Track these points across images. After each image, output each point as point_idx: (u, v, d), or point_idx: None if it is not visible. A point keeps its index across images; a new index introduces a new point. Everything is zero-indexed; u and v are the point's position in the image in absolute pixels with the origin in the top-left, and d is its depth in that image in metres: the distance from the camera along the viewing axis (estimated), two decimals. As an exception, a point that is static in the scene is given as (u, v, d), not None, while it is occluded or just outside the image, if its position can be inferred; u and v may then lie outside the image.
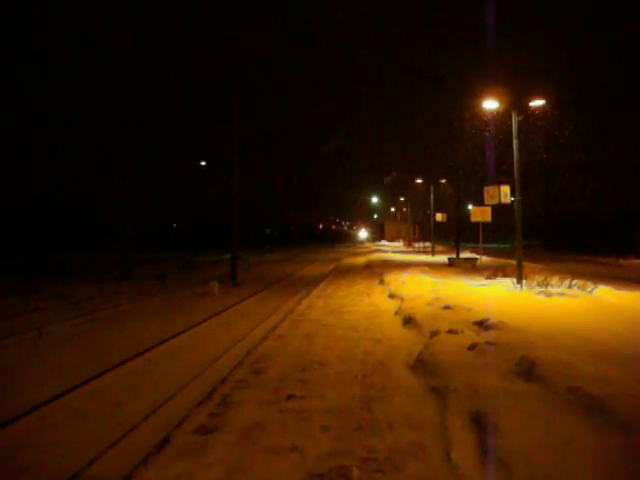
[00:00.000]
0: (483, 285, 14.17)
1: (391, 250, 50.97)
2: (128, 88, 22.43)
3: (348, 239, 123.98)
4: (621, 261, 26.51)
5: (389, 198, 79.57)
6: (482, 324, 8.09)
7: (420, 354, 6.87)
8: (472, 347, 6.59)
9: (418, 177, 45.81)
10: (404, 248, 57.90)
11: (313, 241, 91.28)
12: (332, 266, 31.00)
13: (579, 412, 4.22)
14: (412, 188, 51.46)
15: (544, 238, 51.27)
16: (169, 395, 6.03)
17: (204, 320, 11.27)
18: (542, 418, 4.20)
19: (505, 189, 16.35)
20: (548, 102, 14.95)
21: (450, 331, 7.78)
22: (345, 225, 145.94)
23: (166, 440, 4.51)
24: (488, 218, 23.21)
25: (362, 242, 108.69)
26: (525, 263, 14.95)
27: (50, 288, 16.25)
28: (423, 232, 63.07)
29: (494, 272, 16.50)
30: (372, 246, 71.17)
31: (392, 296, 13.72)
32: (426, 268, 21.50)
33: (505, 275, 15.35)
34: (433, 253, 38.35)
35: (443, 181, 40.04)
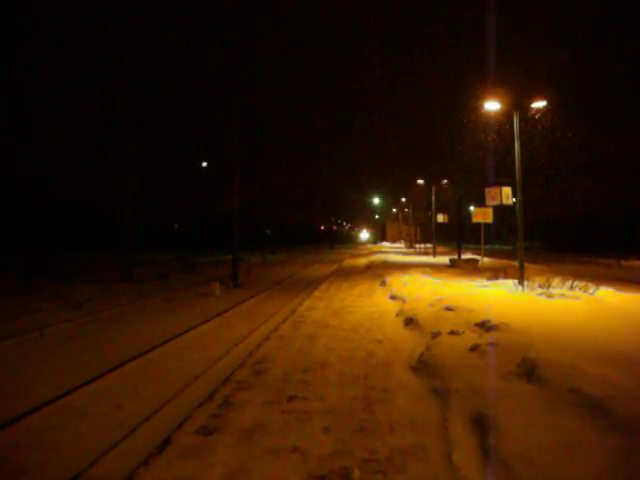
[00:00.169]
0: (484, 286, 14.14)
1: (392, 251, 50.96)
2: (129, 88, 22.37)
3: (349, 240, 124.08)
4: (622, 262, 26.46)
5: (391, 199, 79.67)
6: (484, 325, 8.08)
7: (421, 355, 6.86)
8: (474, 348, 6.58)
9: (419, 178, 45.84)
10: (405, 249, 57.88)
11: (314, 242, 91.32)
12: (333, 267, 31.00)
13: (581, 413, 4.21)
14: (413, 189, 51.47)
15: (546, 239, 51.29)
16: (170, 396, 6.03)
17: (205, 321, 11.28)
18: (543, 419, 4.19)
19: (507, 190, 16.33)
20: (549, 103, 14.94)
21: (452, 332, 7.78)
22: (346, 226, 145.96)
23: (167, 441, 4.51)
24: (489, 219, 23.15)
25: (363, 243, 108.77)
26: (526, 264, 14.93)
27: (51, 288, 16.28)
28: (424, 233, 63.07)
29: (495, 273, 16.47)
30: (373, 247, 71.14)
31: (393, 297, 13.71)
32: (427, 269, 21.49)
33: (506, 276, 15.32)
34: (434, 254, 38.32)
35: (444, 182, 40.07)
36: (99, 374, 6.97)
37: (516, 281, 13.47)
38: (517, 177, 13.92)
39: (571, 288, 12.06)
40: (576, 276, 13.93)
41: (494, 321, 8.10)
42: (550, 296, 11.28)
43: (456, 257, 28.52)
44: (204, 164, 41.20)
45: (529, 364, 5.41)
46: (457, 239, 33.26)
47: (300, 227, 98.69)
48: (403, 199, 67.31)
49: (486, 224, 23.70)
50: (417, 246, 57.58)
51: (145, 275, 22.07)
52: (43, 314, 11.90)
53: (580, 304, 10.30)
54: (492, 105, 15.14)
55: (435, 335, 7.87)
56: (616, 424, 3.90)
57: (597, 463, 3.49)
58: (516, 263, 14.74)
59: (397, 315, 10.83)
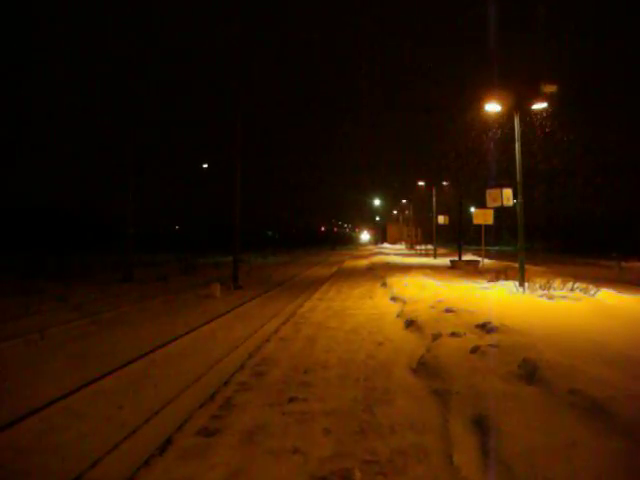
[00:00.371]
0: (485, 288, 14.15)
1: (393, 253, 50.97)
2: (131, 89, 22.41)
3: (350, 242, 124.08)
4: (623, 264, 26.41)
5: (391, 200, 79.69)
6: (484, 327, 8.09)
7: (422, 357, 6.87)
8: (474, 350, 6.58)
9: (420, 179, 45.84)
10: (406, 251, 57.90)
11: (315, 244, 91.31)
12: (334, 269, 31.00)
13: (581, 415, 4.21)
14: (414, 190, 51.48)
15: (546, 241, 51.25)
16: (171, 397, 6.03)
17: (206, 322, 11.28)
18: (544, 421, 4.19)
19: (507, 192, 16.34)
20: (550, 104, 14.94)
21: (452, 334, 7.78)
22: (347, 228, 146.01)
23: (168, 442, 4.52)
24: (490, 221, 23.19)
25: (364, 245, 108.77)
26: (527, 266, 14.93)
27: (52, 290, 16.27)
28: (425, 235, 63.10)
29: (496, 275, 16.47)
30: (374, 249, 71.17)
31: (394, 299, 13.72)
32: (428, 271, 21.49)
33: (507, 278, 15.32)
34: (435, 256, 38.34)
35: (445, 183, 40.06)
36: (100, 375, 6.97)
37: (517, 283, 13.48)
38: (518, 178, 13.94)
39: (572, 290, 12.07)
40: (577, 278, 13.93)
41: (495, 323, 8.10)
42: (551, 298, 11.29)
43: (457, 259, 28.54)
44: (205, 166, 41.23)
45: (530, 366, 5.41)
46: (458, 241, 33.25)
47: (301, 228, 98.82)
48: (404, 200, 67.38)
49: (487, 225, 23.74)
50: (418, 247, 57.62)
51: (146, 276, 22.06)
52: (43, 315, 11.90)
53: (581, 305, 10.31)
54: (492, 107, 15.16)
55: (436, 337, 7.86)
56: (616, 425, 3.91)
57: (597, 464, 3.50)
58: (517, 265, 14.74)
59: (398, 317, 10.83)
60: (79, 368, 7.43)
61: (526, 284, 13.12)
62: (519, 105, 14.21)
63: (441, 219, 38.48)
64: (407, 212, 67.54)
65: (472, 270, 22.75)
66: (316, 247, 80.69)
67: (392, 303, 13.27)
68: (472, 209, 30.76)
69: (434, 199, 38.60)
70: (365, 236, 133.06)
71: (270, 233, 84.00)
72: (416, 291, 13.89)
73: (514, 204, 16.05)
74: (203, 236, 60.74)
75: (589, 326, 8.27)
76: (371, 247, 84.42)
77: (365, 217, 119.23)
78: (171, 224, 71.60)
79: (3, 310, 12.42)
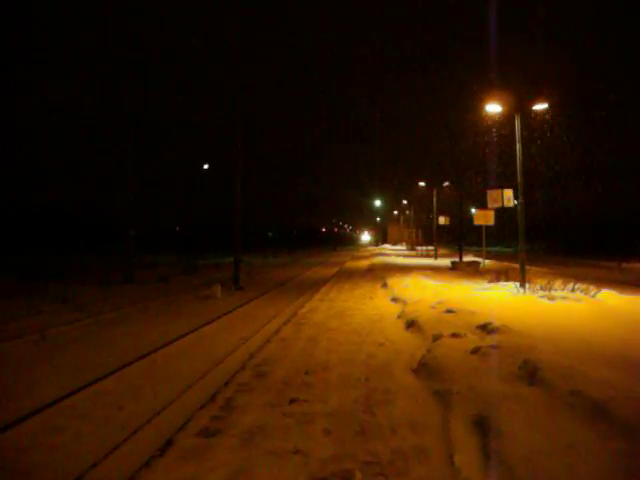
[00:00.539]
0: (486, 289, 14.14)
1: (394, 253, 50.96)
2: (132, 89, 22.42)
3: (351, 242, 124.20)
4: (624, 265, 26.43)
5: (392, 201, 79.71)
6: (485, 328, 8.09)
7: (423, 358, 6.86)
8: (475, 351, 6.58)
9: (421, 180, 45.84)
10: (407, 251, 57.85)
11: (316, 244, 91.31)
12: (335, 269, 31.01)
13: (582, 416, 4.21)
14: (415, 191, 51.47)
15: (547, 242, 51.25)
16: (172, 398, 6.04)
17: (207, 323, 11.29)
18: (545, 422, 4.19)
19: (508, 193, 16.35)
20: (551, 105, 14.95)
21: (453, 335, 7.78)
22: (348, 228, 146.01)
23: (169, 443, 4.53)
24: (491, 221, 23.19)
25: (365, 245, 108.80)
26: (528, 267, 14.94)
27: (53, 290, 16.28)
28: (426, 235, 63.07)
29: (497, 276, 16.47)
30: (375, 249, 71.14)
31: (395, 299, 13.72)
32: (429, 272, 21.50)
33: (508, 279, 15.32)
34: (436, 256, 38.33)
35: (446, 184, 40.06)
36: (101, 376, 6.98)
37: (517, 283, 13.47)
38: (518, 179, 13.94)
39: (572, 290, 12.07)
40: (577, 278, 13.94)
41: (495, 323, 8.10)
42: (552, 298, 11.28)
43: (457, 259, 28.53)
44: (205, 166, 41.21)
45: (530, 366, 5.41)
46: (458, 241, 33.26)
47: (302, 229, 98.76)
48: (404, 201, 67.36)
49: (487, 226, 23.74)
50: (418, 248, 57.57)
51: (147, 277, 22.09)
52: (44, 316, 11.92)
53: (582, 306, 10.31)
54: (493, 107, 15.16)
55: (436, 337, 7.86)
56: (617, 427, 3.91)
57: (598, 465, 3.50)
58: (517, 265, 14.74)
59: (398, 317, 10.83)
60: (80, 368, 7.43)
61: (527, 285, 13.12)
62: (520, 106, 14.21)
63: (442, 220, 38.47)
64: (408, 213, 67.54)
65: (473, 271, 22.75)
66: (317, 248, 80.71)
67: (393, 304, 13.28)
68: (473, 210, 30.74)
69: (435, 200, 38.59)
70: (366, 237, 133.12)
71: (271, 234, 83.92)
72: (417, 292, 13.89)
73: (515, 205, 16.06)
74: (204, 237, 60.72)
75: (590, 327, 8.27)
76: (372, 248, 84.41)
77: (366, 218, 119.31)
78: (172, 225, 71.62)
79: (4, 310, 12.43)
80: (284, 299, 15.86)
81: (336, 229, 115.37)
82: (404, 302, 12.50)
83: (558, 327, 8.23)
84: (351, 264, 37.19)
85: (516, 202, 15.21)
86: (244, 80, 21.70)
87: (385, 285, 17.75)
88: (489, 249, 29.51)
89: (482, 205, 21.79)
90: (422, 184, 45.75)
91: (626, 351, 6.52)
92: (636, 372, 5.45)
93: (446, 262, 29.55)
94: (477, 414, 4.56)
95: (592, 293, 11.72)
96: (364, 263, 36.28)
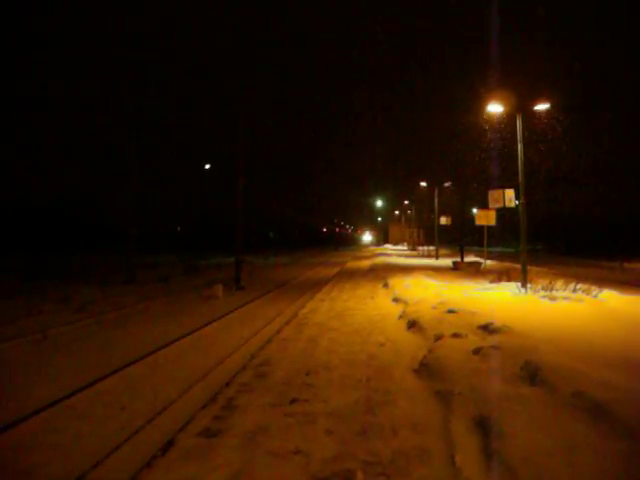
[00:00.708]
0: (487, 289, 14.14)
1: (395, 253, 50.97)
2: (134, 89, 22.43)
3: (352, 242, 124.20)
4: (625, 265, 26.41)
5: (393, 201, 79.69)
6: (487, 328, 8.08)
7: (424, 358, 6.86)
8: (477, 351, 6.58)
9: (422, 180, 45.78)
10: (408, 252, 57.86)
11: (317, 244, 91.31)
12: (336, 270, 31.00)
13: (584, 417, 4.21)
14: (416, 191, 51.41)
15: (548, 242, 51.21)
16: (174, 398, 6.04)
17: (208, 323, 11.29)
18: (547, 423, 4.19)
19: (509, 193, 16.33)
20: (553, 105, 14.93)
21: (454, 335, 7.77)
22: (349, 228, 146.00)
23: (171, 443, 4.53)
24: (492, 222, 23.17)
25: (366, 245, 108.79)
26: (529, 267, 14.93)
27: (54, 291, 16.28)
28: (427, 235, 63.02)
29: (498, 276, 16.46)
30: (376, 249, 71.18)
31: (396, 300, 13.71)
32: (430, 272, 21.50)
33: (509, 279, 15.32)
34: (437, 257, 38.31)
35: (447, 184, 40.00)
36: (102, 376, 6.98)
37: (519, 284, 13.47)
38: (520, 179, 13.93)
39: (574, 291, 12.06)
40: (579, 279, 13.93)
41: (497, 324, 8.10)
42: (553, 299, 11.28)
43: (459, 260, 28.53)
44: (207, 166, 41.21)
45: (532, 367, 5.40)
46: (460, 242, 33.23)
47: (303, 229, 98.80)
48: (406, 201, 67.29)
49: (489, 226, 23.72)
50: (420, 248, 57.55)
51: (148, 277, 22.09)
52: (46, 316, 11.92)
53: (583, 307, 10.30)
54: (495, 108, 15.15)
55: (438, 338, 7.86)
56: (619, 427, 3.90)
57: (600, 466, 3.49)
58: (519, 266, 14.74)
59: (400, 318, 10.83)
60: (81, 368, 7.44)
61: (528, 285, 13.12)
62: (521, 106, 14.20)
63: (443, 220, 38.43)
64: (409, 213, 67.50)
65: (474, 271, 22.75)
66: (318, 248, 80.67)
67: (394, 304, 13.27)
68: (474, 210, 30.72)
69: (436, 200, 38.57)
70: (367, 237, 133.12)
71: (272, 234, 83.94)
72: (418, 292, 13.88)
73: (516, 205, 16.05)
74: (205, 237, 60.71)
75: (591, 327, 8.26)
76: (373, 248, 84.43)
77: (367, 218, 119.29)
78: (173, 225, 71.58)
79: (6, 311, 12.43)
80: (285, 299, 15.86)
81: (337, 229, 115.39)
82: (405, 302, 12.50)
83: (560, 328, 8.22)
84: (352, 264, 37.19)
85: (517, 202, 15.20)
86: (244, 80, 21.72)
87: (386, 285, 17.75)
88: (490, 249, 29.48)
89: (483, 205, 21.77)
90: (423, 184, 45.69)
91: (628, 352, 6.51)
92: (638, 373, 5.44)
93: (447, 262, 29.54)
94: (478, 415, 4.55)
95: (594, 293, 11.71)
96: (365, 263, 36.28)
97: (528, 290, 12.79)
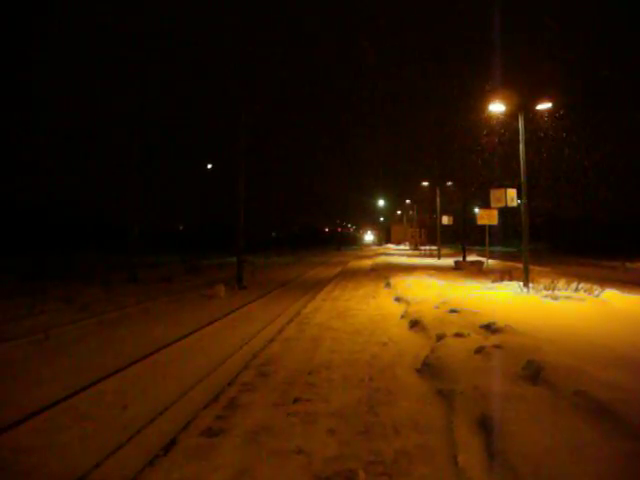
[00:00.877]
0: (490, 288, 14.13)
1: (397, 253, 50.97)
2: (136, 89, 22.49)
3: (354, 242, 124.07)
4: (628, 264, 26.36)
5: (395, 201, 79.63)
6: (489, 328, 8.07)
7: (426, 357, 6.86)
8: (479, 351, 6.57)
9: (424, 180, 45.71)
10: (410, 251, 57.82)
11: (319, 244, 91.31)
12: (338, 269, 31.00)
13: (587, 416, 4.20)
14: (418, 191, 51.35)
15: (550, 241, 51.16)
16: (176, 397, 6.04)
17: (210, 323, 11.30)
18: (549, 422, 4.18)
19: (511, 192, 16.32)
20: (555, 104, 14.92)
21: (457, 334, 7.76)
22: (351, 228, 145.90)
23: (173, 442, 4.53)
24: (494, 221, 23.19)
25: (368, 245, 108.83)
26: (531, 266, 14.92)
27: (56, 291, 16.31)
28: (429, 235, 63.02)
29: (500, 275, 16.45)
30: (378, 249, 71.19)
31: (398, 299, 13.71)
32: (432, 271, 21.49)
33: (512, 278, 15.30)
34: (439, 256, 38.28)
35: (449, 184, 39.94)
36: (104, 375, 6.99)
37: (521, 283, 13.46)
38: (522, 179, 13.92)
39: (576, 290, 12.05)
40: (581, 278, 13.91)
41: (499, 323, 8.09)
42: (555, 298, 11.27)
43: (461, 259, 28.51)
44: (209, 166, 41.25)
45: (534, 367, 5.40)
46: (462, 241, 33.21)
47: (305, 229, 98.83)
48: (408, 201, 67.24)
49: (491, 226, 23.73)
50: (422, 248, 57.55)
51: (150, 277, 22.10)
52: (48, 316, 11.93)
53: (585, 306, 10.29)
54: (497, 107, 15.14)
55: (440, 337, 7.85)
56: (622, 427, 3.89)
57: (603, 466, 3.48)
58: (521, 265, 14.72)
59: (402, 317, 10.82)
60: (83, 368, 7.44)
61: (530, 284, 13.10)
62: (523, 105, 14.18)
63: (445, 220, 38.40)
64: (411, 212, 67.48)
65: (476, 271, 22.73)
66: (320, 248, 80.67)
67: (396, 303, 13.27)
68: (476, 209, 30.70)
69: (438, 200, 38.53)
70: (369, 236, 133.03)
71: (274, 234, 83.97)
72: (420, 291, 13.87)
73: (518, 204, 16.03)
74: (207, 236, 60.79)
75: (593, 327, 8.25)
76: (375, 247, 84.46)
77: (369, 217, 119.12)
78: (175, 224, 71.66)
79: (8, 310, 12.44)
80: (287, 299, 15.86)
81: (339, 229, 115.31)
82: (407, 302, 12.49)
83: (562, 327, 8.21)
84: (354, 264, 37.18)
85: (519, 202, 15.19)
86: (247, 80, 21.72)
87: (388, 285, 17.75)
88: (492, 248, 29.50)
89: (485, 204, 21.77)
90: (425, 184, 45.64)
91: (630, 352, 6.50)
92: (641, 372, 5.42)
93: (449, 262, 29.53)
94: (481, 414, 4.55)
95: (596, 293, 11.69)
96: (367, 263, 36.29)
97: (530, 290, 12.77)
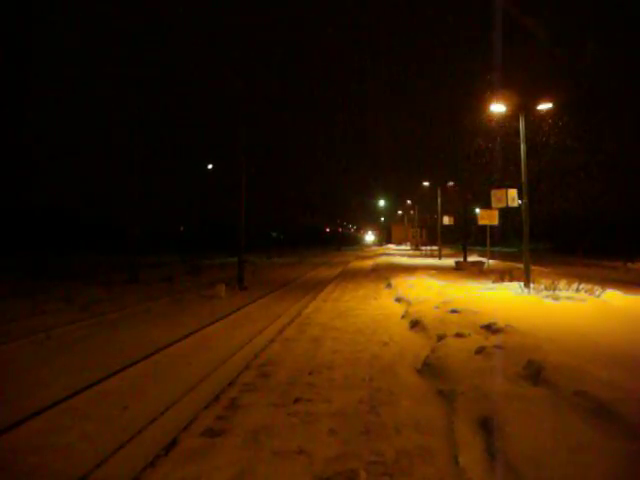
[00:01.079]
0: (490, 289, 14.12)
1: (398, 253, 50.94)
2: (137, 89, 22.49)
3: (355, 242, 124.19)
4: (629, 265, 26.36)
5: (396, 201, 79.68)
6: (489, 328, 8.07)
7: (427, 358, 6.86)
8: (479, 351, 6.57)
9: (425, 180, 45.72)
10: (411, 251, 57.79)
11: (320, 244, 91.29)
12: (339, 269, 31.00)
13: (587, 416, 4.20)
14: (419, 191, 51.36)
15: (551, 241, 51.12)
16: (176, 398, 6.04)
17: (211, 323, 11.30)
18: (550, 422, 4.18)
19: (512, 192, 16.31)
20: (556, 104, 14.92)
21: (457, 335, 7.76)
22: (352, 228, 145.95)
23: (174, 443, 4.53)
24: (495, 221, 23.15)
25: (369, 245, 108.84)
26: (532, 267, 14.91)
27: (57, 291, 16.32)
28: (430, 235, 62.99)
29: (501, 276, 16.43)
30: (379, 249, 71.16)
31: (399, 299, 13.71)
32: (433, 271, 21.48)
33: (512, 279, 15.29)
34: (440, 256, 38.27)
35: (450, 184, 39.94)
36: (105, 376, 6.99)
37: (522, 283, 13.46)
38: (523, 179, 13.91)
39: (577, 291, 12.03)
40: (582, 278, 13.89)
41: (500, 323, 8.08)
42: (556, 298, 11.26)
43: (462, 259, 28.50)
44: (210, 166, 41.23)
45: (535, 367, 5.39)
46: (463, 241, 33.20)
47: (306, 229, 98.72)
48: (409, 201, 67.26)
49: (492, 226, 23.70)
50: (423, 248, 57.53)
51: (151, 277, 22.11)
52: (49, 316, 11.94)
53: (586, 306, 10.28)
54: (498, 107, 15.14)
55: (441, 337, 7.86)
56: (623, 428, 3.89)
57: (604, 466, 3.48)
58: (522, 265, 14.72)
59: (402, 317, 10.83)
60: (84, 368, 7.44)
61: (531, 285, 13.09)
62: (524, 106, 14.18)
63: (446, 220, 38.37)
64: (412, 213, 67.46)
65: (477, 271, 22.71)
66: (321, 248, 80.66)
67: (397, 304, 13.27)
68: (477, 210, 30.68)
69: (439, 200, 38.53)
70: (370, 237, 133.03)
71: (275, 234, 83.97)
72: (421, 292, 13.87)
73: (519, 205, 16.03)
74: (207, 236, 60.79)
75: (594, 327, 8.25)
76: (376, 248, 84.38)
77: (370, 218, 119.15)
78: (175, 224, 71.60)
79: (9, 310, 12.46)
80: (288, 299, 15.87)
81: (340, 229, 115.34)
82: (408, 302, 12.49)
83: (563, 327, 8.21)
84: (355, 264, 37.18)
85: (520, 202, 15.18)
86: (245, 80, 21.72)
87: (389, 285, 17.75)
88: (493, 249, 29.49)
89: (486, 205, 21.75)
90: (426, 184, 45.63)
91: (632, 351, 6.50)
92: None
93: (450, 262, 29.53)
94: (481, 414, 4.55)
95: (597, 293, 11.68)
96: (368, 263, 36.28)
97: (531, 290, 12.77)
